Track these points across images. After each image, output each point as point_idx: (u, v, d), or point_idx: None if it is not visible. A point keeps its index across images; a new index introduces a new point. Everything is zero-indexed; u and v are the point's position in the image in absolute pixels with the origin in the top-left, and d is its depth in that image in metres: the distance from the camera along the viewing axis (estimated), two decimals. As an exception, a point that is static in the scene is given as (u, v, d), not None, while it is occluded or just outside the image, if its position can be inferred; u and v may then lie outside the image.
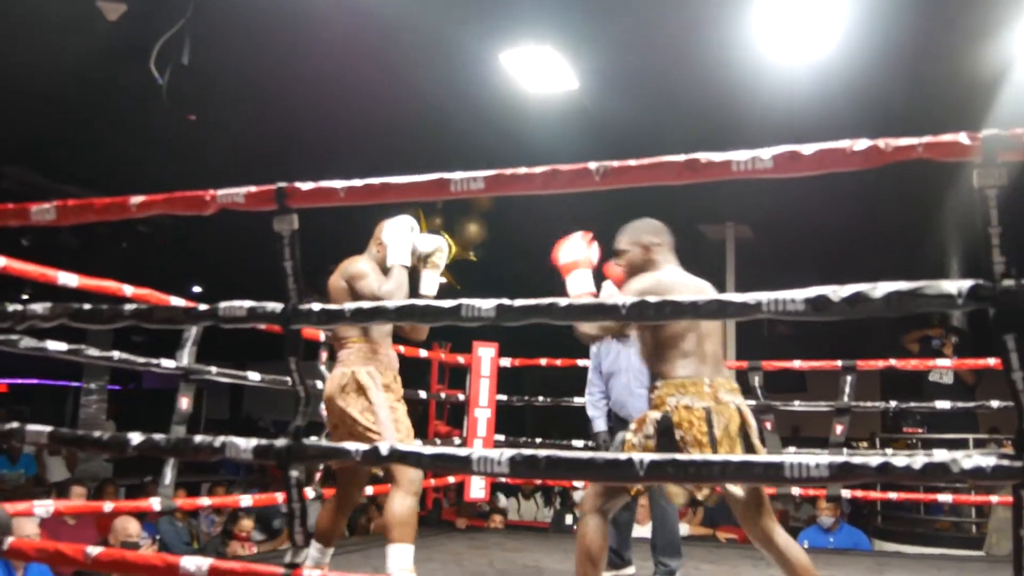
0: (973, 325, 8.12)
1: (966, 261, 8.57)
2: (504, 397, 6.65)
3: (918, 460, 1.75)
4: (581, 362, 6.33)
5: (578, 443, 6.52)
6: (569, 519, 7.99)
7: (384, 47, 5.99)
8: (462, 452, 1.92)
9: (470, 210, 8.54)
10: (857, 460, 1.77)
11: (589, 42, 6.01)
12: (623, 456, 1.88)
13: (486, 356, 6.38)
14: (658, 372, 3.14)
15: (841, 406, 5.27)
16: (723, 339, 3.24)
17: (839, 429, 5.27)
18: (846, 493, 5.82)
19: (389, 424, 3.41)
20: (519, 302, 2.07)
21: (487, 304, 2.08)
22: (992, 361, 5.61)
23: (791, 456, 1.79)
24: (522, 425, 13.23)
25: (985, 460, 1.72)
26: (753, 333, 11.94)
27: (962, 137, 1.80)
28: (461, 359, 6.56)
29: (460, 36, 5.85)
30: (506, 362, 6.56)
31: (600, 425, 4.98)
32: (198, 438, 2.24)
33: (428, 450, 1.99)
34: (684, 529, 7.30)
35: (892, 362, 5.58)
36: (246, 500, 4.97)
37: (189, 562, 2.13)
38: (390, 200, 2.33)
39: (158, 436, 2.27)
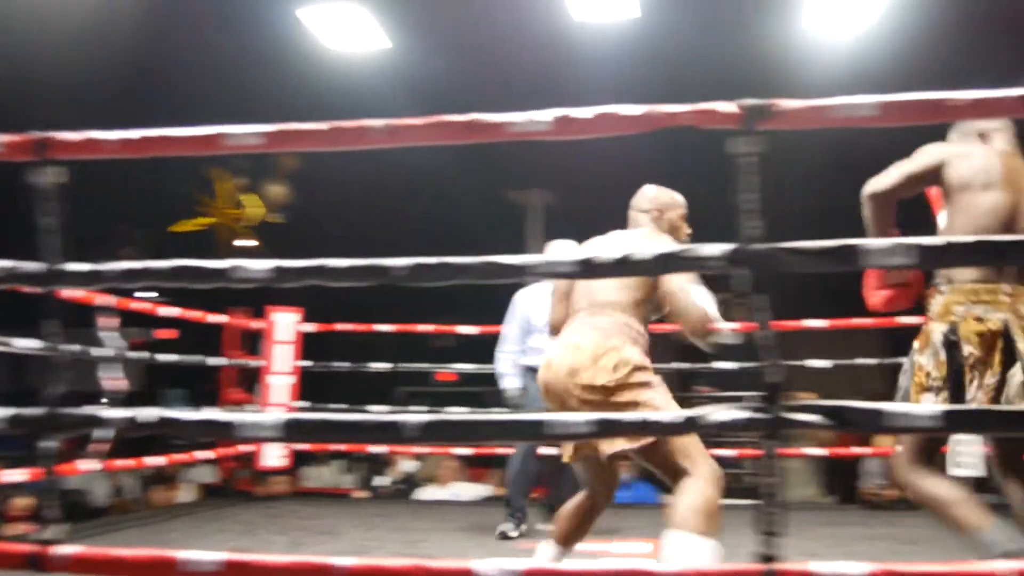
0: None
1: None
2: (308, 363, 6.51)
3: (678, 415, 1.84)
4: (378, 327, 6.30)
5: (379, 407, 6.49)
6: (381, 481, 7.99)
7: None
8: (226, 417, 1.86)
9: (275, 171, 8.29)
10: (615, 417, 1.84)
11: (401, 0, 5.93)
12: (390, 419, 1.88)
13: (283, 322, 6.22)
14: (943, 274, 2.70)
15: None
16: None
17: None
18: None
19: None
20: (296, 263, 2.02)
21: (261, 265, 2.02)
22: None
23: (552, 415, 1.84)
24: (333, 391, 13.04)
25: (737, 413, 1.83)
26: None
27: (724, 105, 1.88)
28: (258, 324, 6.36)
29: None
30: (309, 327, 6.41)
31: (514, 383, 5.01)
32: (-61, 409, 2.05)
33: (192, 416, 1.92)
34: (486, 490, 7.47)
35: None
36: (15, 475, 4.61)
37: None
38: (165, 153, 2.22)
39: None
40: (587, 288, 2.89)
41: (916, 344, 2.72)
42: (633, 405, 2.63)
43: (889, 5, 5.78)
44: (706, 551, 2.51)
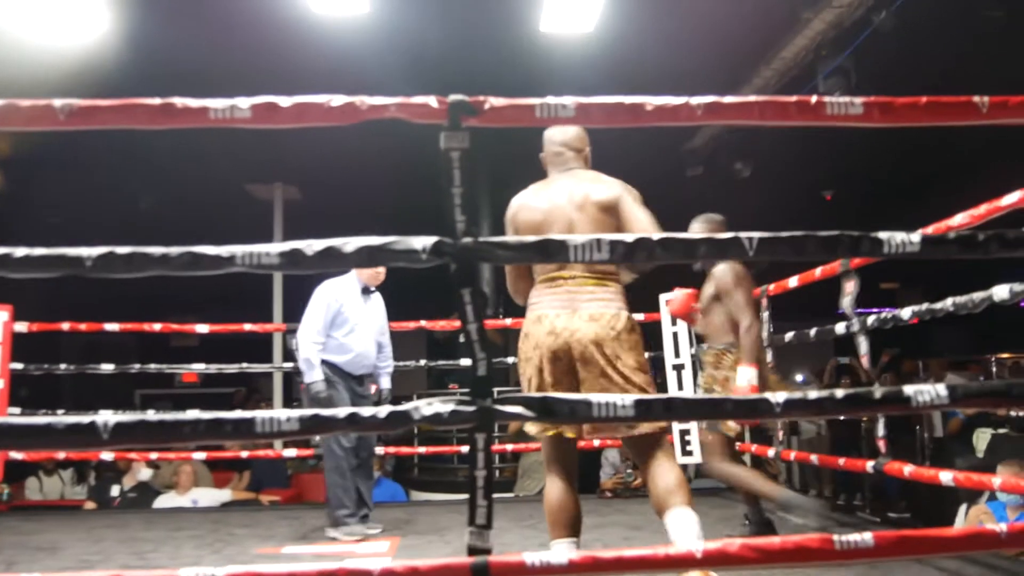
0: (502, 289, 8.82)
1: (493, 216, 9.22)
2: (20, 366, 5.97)
3: (383, 410, 1.82)
4: (108, 326, 5.90)
5: (107, 411, 6.07)
6: (115, 490, 7.48)
7: None
8: None
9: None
10: (327, 413, 1.80)
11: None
12: (85, 420, 1.74)
13: (-3, 320, 5.67)
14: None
15: (380, 365, 5.44)
16: None
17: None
18: (380, 450, 6.06)
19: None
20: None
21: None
22: (509, 321, 6.15)
23: (262, 412, 1.78)
24: (58, 397, 12.15)
25: (443, 407, 1.83)
26: (302, 295, 11.95)
27: (431, 100, 1.88)
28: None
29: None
30: (22, 327, 5.88)
31: (319, 374, 4.66)
32: None
33: None
34: (227, 494, 7.19)
35: (423, 323, 5.87)
36: None
37: None
38: None
39: None
40: None
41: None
42: (639, 369, 2.88)
43: (611, 7, 6.03)
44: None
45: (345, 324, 4.81)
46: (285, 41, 6.39)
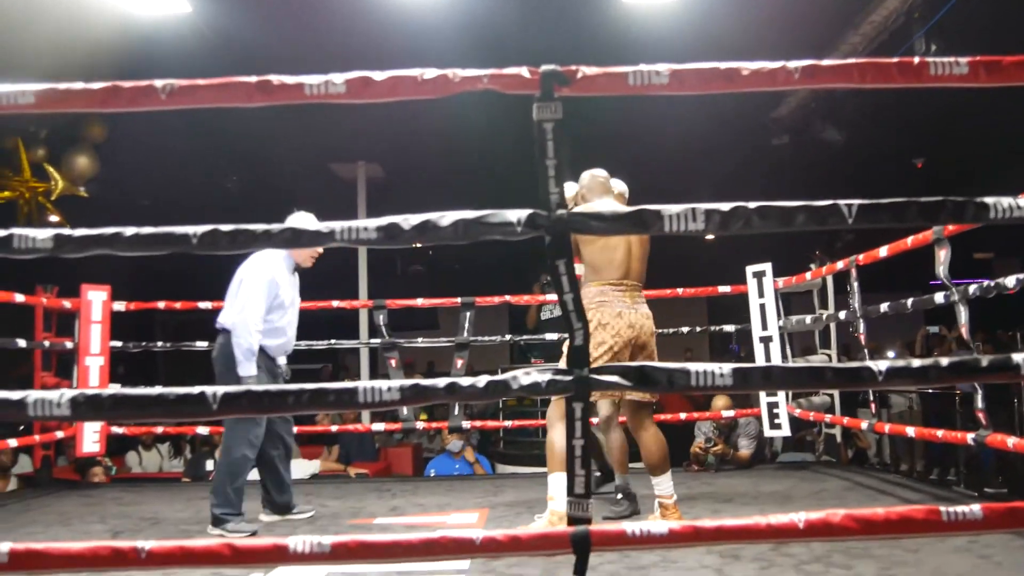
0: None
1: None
2: (119, 344, 6.19)
3: (482, 380, 1.83)
4: (202, 304, 6.06)
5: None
6: (209, 464, 7.71)
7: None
8: (15, 395, 1.73)
9: (80, 140, 7.77)
10: (427, 383, 1.82)
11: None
12: (195, 391, 1.80)
13: (97, 300, 5.88)
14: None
15: (461, 341, 5.49)
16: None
17: (459, 363, 5.49)
18: (466, 423, 6.11)
19: None
20: (79, 232, 1.90)
21: (43, 234, 1.89)
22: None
23: (364, 383, 1.80)
24: (154, 373, 12.56)
25: (541, 376, 1.83)
26: (386, 271, 12.09)
27: (523, 71, 1.87)
28: (68, 304, 6.00)
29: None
30: (120, 306, 6.09)
31: (255, 368, 4.31)
32: None
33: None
34: (316, 466, 7.35)
35: (507, 298, 5.89)
36: None
37: None
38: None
39: None
40: (625, 260, 3.94)
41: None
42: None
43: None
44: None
45: (281, 308, 4.47)
46: (362, 20, 6.43)
